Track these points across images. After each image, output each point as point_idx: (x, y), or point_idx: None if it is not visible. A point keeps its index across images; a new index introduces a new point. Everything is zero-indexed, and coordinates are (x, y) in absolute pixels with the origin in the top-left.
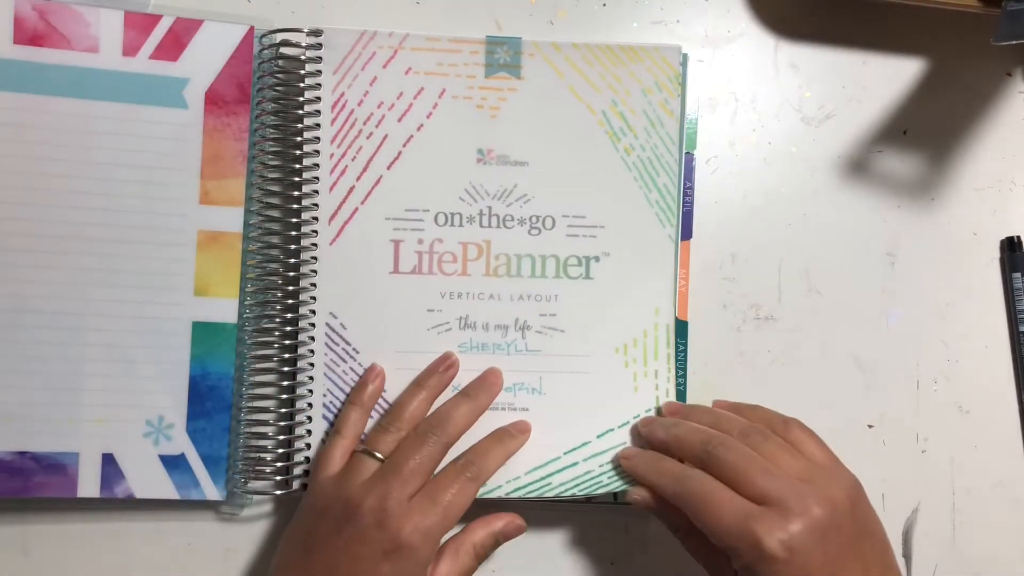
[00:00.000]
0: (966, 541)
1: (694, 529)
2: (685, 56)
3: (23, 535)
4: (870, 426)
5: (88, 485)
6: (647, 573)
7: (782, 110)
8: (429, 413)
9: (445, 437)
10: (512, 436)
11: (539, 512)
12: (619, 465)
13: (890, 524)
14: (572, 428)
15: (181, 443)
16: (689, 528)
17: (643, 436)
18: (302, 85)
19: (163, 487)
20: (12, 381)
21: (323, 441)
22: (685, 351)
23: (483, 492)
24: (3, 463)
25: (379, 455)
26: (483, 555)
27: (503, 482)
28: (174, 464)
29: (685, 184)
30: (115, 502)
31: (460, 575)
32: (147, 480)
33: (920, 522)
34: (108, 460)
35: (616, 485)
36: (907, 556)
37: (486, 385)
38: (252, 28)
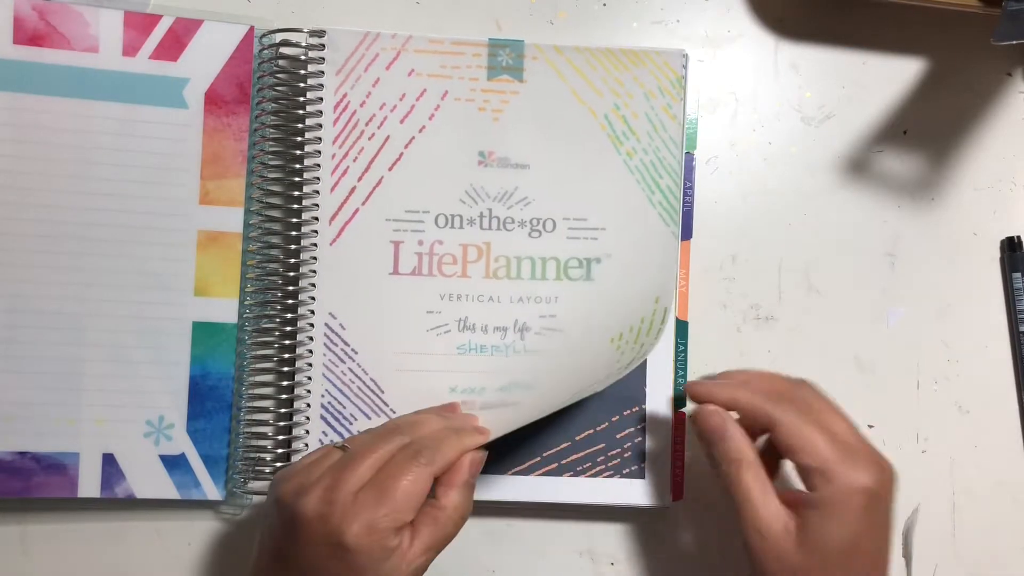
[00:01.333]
0: (966, 541)
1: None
2: (686, 57)
3: (23, 535)
4: (870, 426)
5: (88, 485)
6: (647, 573)
7: (782, 110)
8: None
9: (409, 437)
10: (469, 433)
11: (539, 512)
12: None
13: None
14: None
15: (181, 443)
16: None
17: (699, 396)
18: (303, 85)
19: (163, 487)
20: (12, 381)
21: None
22: (685, 351)
23: (511, 497)
24: (4, 463)
25: (342, 445)
26: (466, 513)
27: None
28: (174, 464)
29: (685, 184)
30: (115, 502)
31: (445, 540)
32: (147, 480)
33: (920, 522)
34: (108, 460)
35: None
36: (907, 556)
37: (470, 420)
38: (252, 28)
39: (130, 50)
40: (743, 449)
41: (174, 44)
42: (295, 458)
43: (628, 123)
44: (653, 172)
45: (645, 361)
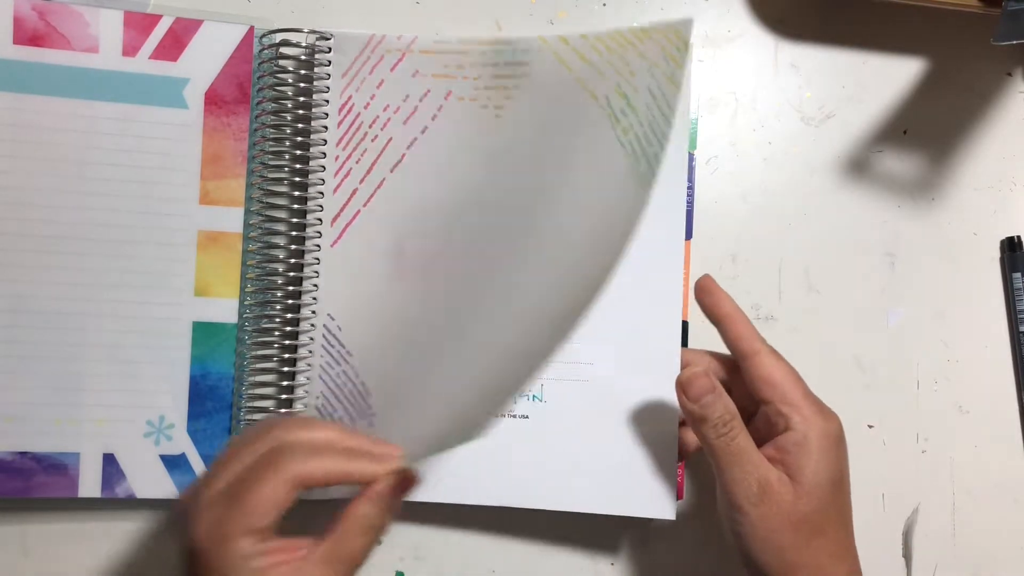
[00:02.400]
0: (966, 541)
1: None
2: (691, 23)
3: (23, 535)
4: (870, 426)
5: (89, 485)
6: (647, 573)
7: (782, 110)
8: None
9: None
10: (359, 457)
11: (538, 512)
12: None
13: (890, 524)
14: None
15: (182, 443)
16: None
17: (708, 294)
18: (303, 86)
19: (164, 487)
20: (12, 381)
21: None
22: None
23: (510, 503)
24: (4, 463)
25: None
26: (375, 527)
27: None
28: (175, 464)
29: (685, 184)
30: (116, 502)
31: (349, 556)
32: (148, 480)
33: (920, 522)
34: (109, 460)
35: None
36: (907, 556)
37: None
38: (252, 28)
39: (130, 50)
40: (734, 409)
41: (174, 44)
42: None
43: (629, 99)
44: (644, 143)
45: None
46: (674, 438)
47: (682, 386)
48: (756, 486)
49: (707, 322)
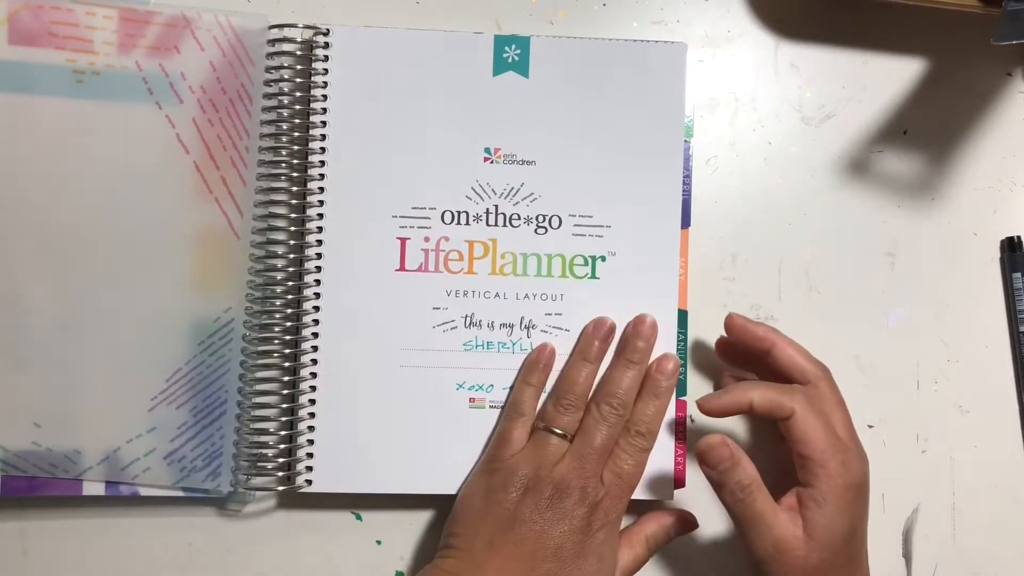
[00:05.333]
0: (966, 541)
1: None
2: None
3: (24, 533)
4: (870, 426)
5: (92, 483)
6: (647, 573)
7: (782, 110)
8: (597, 385)
9: (622, 410)
10: (661, 385)
11: None
12: None
13: (890, 524)
14: None
15: (184, 440)
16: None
17: (714, 409)
18: (301, 81)
19: (166, 485)
20: (14, 381)
21: (497, 420)
22: (685, 340)
23: None
24: (7, 462)
25: (559, 431)
26: (654, 548)
27: None
28: (177, 461)
29: (682, 173)
30: (118, 500)
31: (636, 563)
32: (150, 478)
33: (920, 522)
34: (111, 458)
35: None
36: (907, 556)
37: (641, 339)
38: (251, 24)
39: (127, 47)
40: (753, 474)
41: (170, 41)
42: (298, 454)
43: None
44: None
45: None
46: (671, 422)
47: (700, 454)
48: (771, 546)
49: (707, 321)
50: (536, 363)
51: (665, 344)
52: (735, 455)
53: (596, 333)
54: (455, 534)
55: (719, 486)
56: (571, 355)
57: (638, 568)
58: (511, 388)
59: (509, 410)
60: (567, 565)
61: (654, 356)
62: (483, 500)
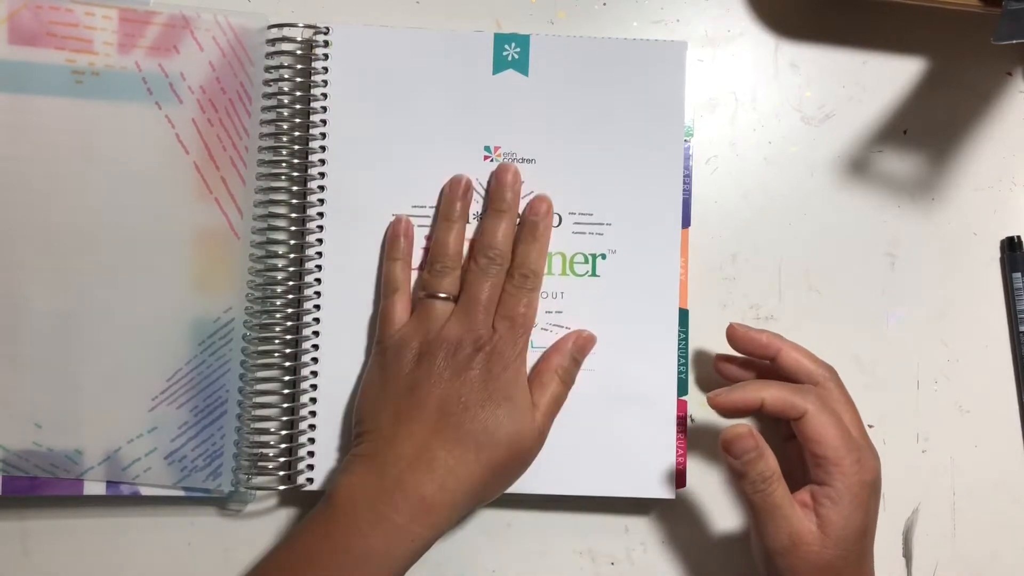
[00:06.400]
0: (966, 541)
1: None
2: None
3: (24, 533)
4: (870, 426)
5: (93, 483)
6: (647, 573)
7: (782, 110)
8: (470, 241)
9: (501, 260)
10: (538, 226)
11: (538, 512)
12: None
13: (890, 524)
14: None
15: (184, 440)
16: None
17: (724, 405)
18: (301, 80)
19: (167, 484)
20: (14, 381)
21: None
22: (686, 339)
23: (513, 489)
24: (8, 462)
25: (442, 295)
26: (568, 378)
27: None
28: (178, 461)
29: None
30: (118, 500)
31: (554, 400)
32: (151, 477)
33: (920, 522)
34: (112, 458)
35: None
36: (907, 556)
37: (507, 188)
38: (252, 24)
39: (126, 48)
40: (775, 466)
41: (171, 41)
42: (298, 453)
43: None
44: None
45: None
46: (672, 422)
47: (726, 444)
48: (787, 539)
49: (707, 321)
50: (396, 237)
51: (665, 344)
52: (760, 446)
53: (453, 192)
54: (361, 420)
55: (741, 476)
56: (433, 220)
57: (559, 404)
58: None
59: (383, 289)
60: (476, 413)
61: None
62: (380, 379)
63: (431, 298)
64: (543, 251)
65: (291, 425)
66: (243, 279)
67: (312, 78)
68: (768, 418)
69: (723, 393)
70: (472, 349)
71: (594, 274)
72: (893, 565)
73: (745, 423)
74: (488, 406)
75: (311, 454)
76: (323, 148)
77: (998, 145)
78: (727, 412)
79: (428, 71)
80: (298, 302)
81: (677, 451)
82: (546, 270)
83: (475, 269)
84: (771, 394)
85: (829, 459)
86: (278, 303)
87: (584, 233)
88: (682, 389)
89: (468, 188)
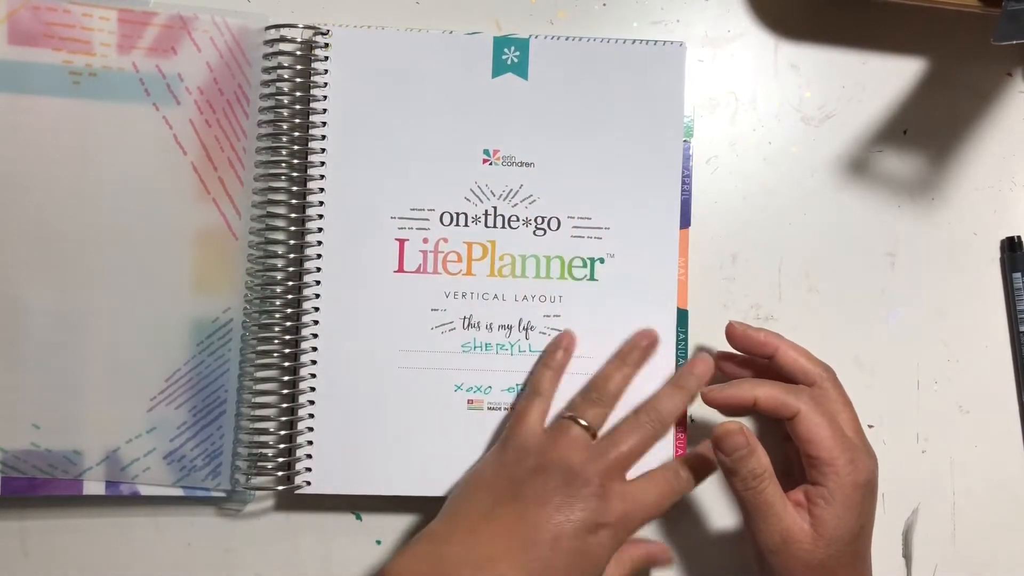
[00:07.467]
0: (966, 541)
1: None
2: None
3: (24, 532)
4: (870, 426)
5: (93, 483)
6: (647, 573)
7: (782, 110)
8: (645, 401)
9: (660, 427)
10: (687, 380)
11: None
12: None
13: (890, 524)
14: None
15: (183, 440)
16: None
17: (719, 401)
18: (300, 81)
19: (166, 484)
20: (14, 381)
21: (513, 405)
22: (686, 340)
23: None
24: (7, 464)
25: (584, 423)
26: (633, 571)
27: None
28: (177, 461)
29: (682, 173)
30: (118, 500)
31: None
32: (150, 477)
33: (920, 522)
34: (112, 458)
35: None
36: (907, 556)
37: (696, 374)
38: (250, 24)
39: (125, 48)
40: (766, 463)
41: (170, 41)
42: (297, 454)
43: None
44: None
45: None
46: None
47: (716, 440)
48: (779, 537)
49: (707, 321)
50: (556, 348)
51: (665, 344)
52: (751, 443)
53: (640, 340)
54: (454, 498)
55: (732, 473)
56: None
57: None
58: (510, 389)
59: (528, 390)
60: (560, 559)
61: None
62: (492, 471)
63: (573, 421)
64: (681, 406)
65: (290, 425)
66: (241, 280)
67: (311, 79)
68: (763, 417)
69: (716, 389)
70: (594, 492)
71: (592, 278)
72: (893, 565)
73: (738, 421)
74: (574, 558)
75: (309, 455)
76: (322, 149)
77: (998, 145)
78: (721, 408)
79: (427, 73)
80: (297, 302)
81: (676, 451)
82: (545, 274)
83: (632, 421)
84: (764, 392)
85: (822, 459)
86: (277, 303)
87: (583, 237)
88: None
89: (654, 344)
